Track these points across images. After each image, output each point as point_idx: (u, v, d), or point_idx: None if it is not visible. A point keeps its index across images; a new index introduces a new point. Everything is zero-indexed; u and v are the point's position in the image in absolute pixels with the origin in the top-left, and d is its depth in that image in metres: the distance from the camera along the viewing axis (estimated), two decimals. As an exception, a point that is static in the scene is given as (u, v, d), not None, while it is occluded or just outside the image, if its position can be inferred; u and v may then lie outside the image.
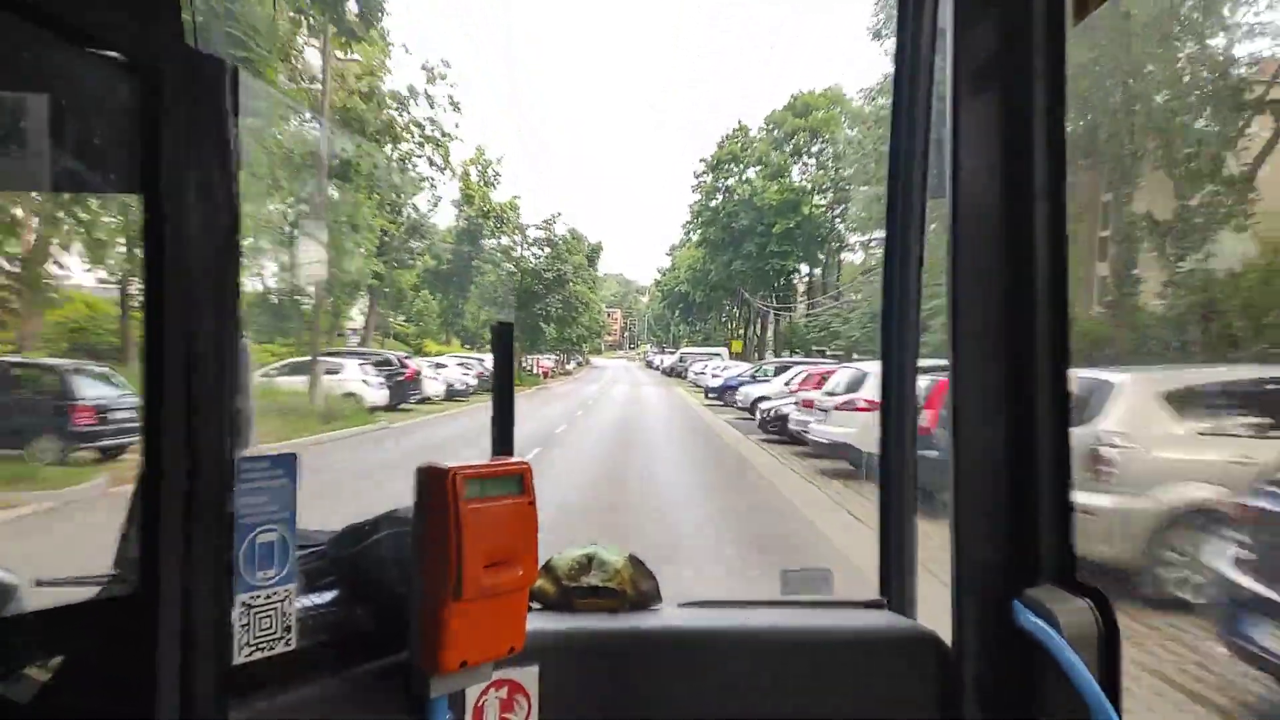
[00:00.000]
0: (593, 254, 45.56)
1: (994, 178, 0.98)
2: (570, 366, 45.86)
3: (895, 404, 1.28)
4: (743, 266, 41.03)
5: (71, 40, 0.71)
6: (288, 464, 0.84)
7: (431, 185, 26.69)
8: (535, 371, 32.59)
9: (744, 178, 43.53)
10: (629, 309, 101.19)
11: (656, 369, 51.18)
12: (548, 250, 33.56)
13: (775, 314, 40.91)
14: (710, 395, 21.04)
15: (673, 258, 63.67)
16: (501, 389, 1.05)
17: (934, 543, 1.19)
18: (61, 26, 0.70)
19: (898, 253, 1.25)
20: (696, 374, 28.25)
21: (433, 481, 0.87)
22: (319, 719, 0.86)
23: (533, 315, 30.00)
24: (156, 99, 0.72)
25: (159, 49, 0.72)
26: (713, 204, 44.34)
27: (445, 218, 31.06)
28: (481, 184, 30.06)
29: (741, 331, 49.50)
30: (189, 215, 0.73)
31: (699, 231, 45.27)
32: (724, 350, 39.29)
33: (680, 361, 39.83)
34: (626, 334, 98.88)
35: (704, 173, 45.31)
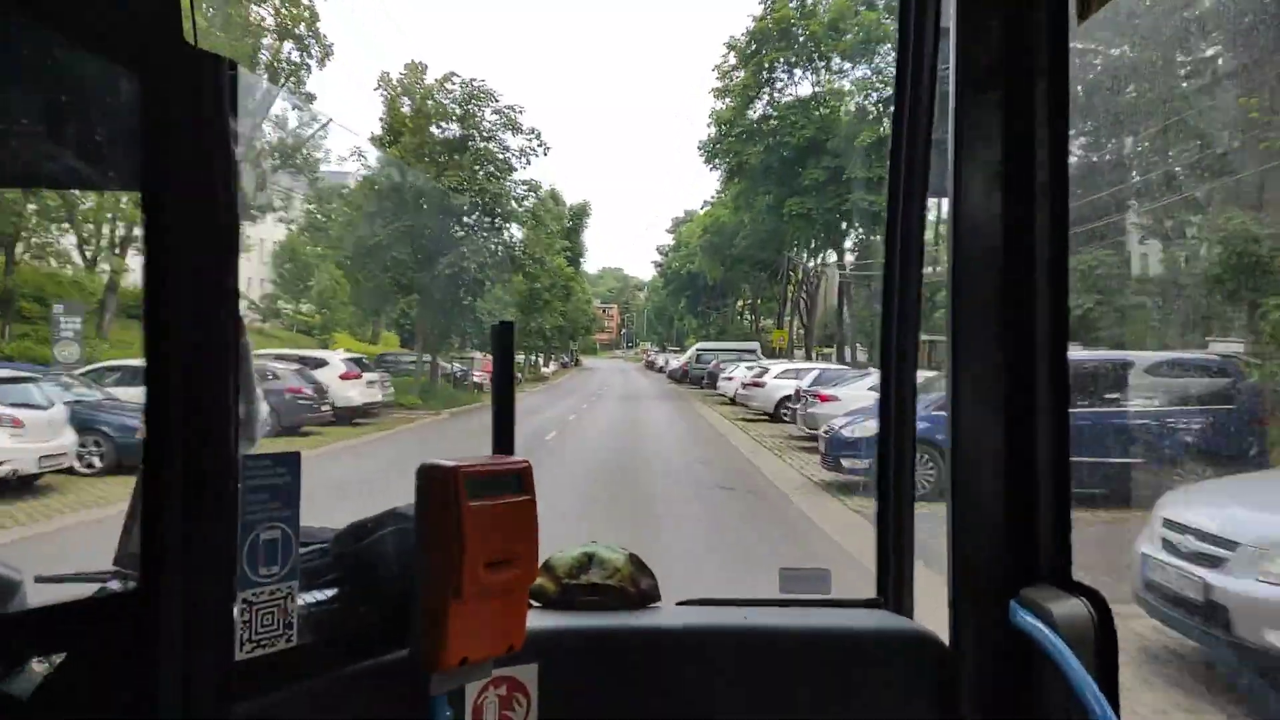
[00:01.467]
0: (577, 218, 42.80)
1: (996, 178, 1.35)
2: (548, 369, 43.80)
3: (895, 404, 1.68)
4: (803, 206, 32.39)
5: (72, 39, 0.96)
6: (290, 462, 1.17)
7: (295, 82, 22.43)
8: (476, 378, 27.67)
9: (811, 64, 34.01)
10: (626, 304, 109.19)
11: (660, 371, 49.46)
12: (463, 160, 25.30)
13: (848, 283, 34.75)
14: (837, 458, 10.89)
15: (678, 234, 61.99)
16: (502, 388, 1.40)
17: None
18: (62, 26, 0.93)
19: (898, 252, 1.65)
20: (744, 390, 22.62)
21: (434, 480, 1.22)
22: (320, 715, 1.21)
23: (445, 286, 23.55)
24: (156, 97, 0.97)
25: (159, 48, 0.97)
26: (752, 112, 35.51)
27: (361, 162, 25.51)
28: (417, 117, 25.45)
29: (769, 321, 48.03)
30: (189, 212, 0.99)
31: (727, 162, 37.11)
32: (754, 345, 37.68)
33: (698, 362, 36.75)
34: (625, 332, 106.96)
35: (735, 68, 35.95)
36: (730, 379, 26.30)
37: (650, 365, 60.61)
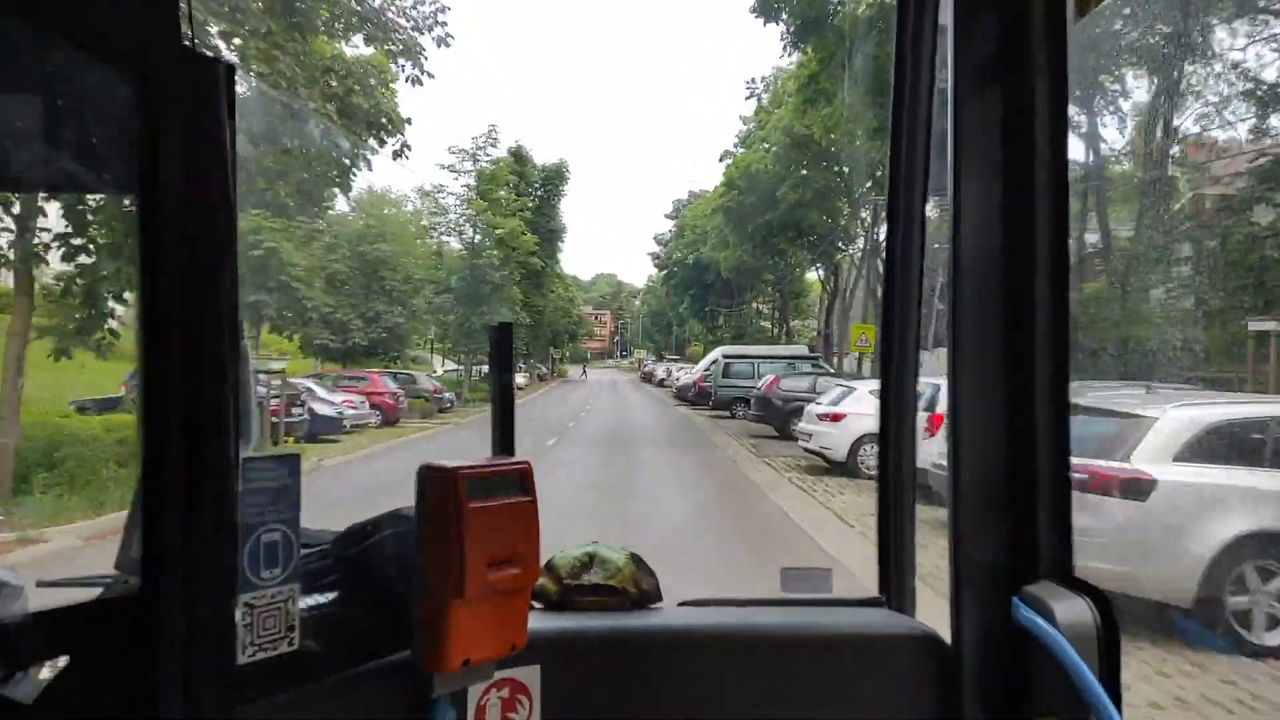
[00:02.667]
0: (551, 182, 41.43)
1: (995, 176, 1.77)
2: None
3: (895, 403, 2.15)
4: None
5: (68, 41, 1.18)
6: (291, 464, 1.53)
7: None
8: (330, 408, 21.72)
9: None
10: (620, 309, 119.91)
11: (660, 385, 46.97)
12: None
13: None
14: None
15: (681, 217, 61.04)
16: (501, 389, 1.81)
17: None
18: (58, 27, 1.15)
19: (899, 251, 2.11)
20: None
21: (435, 482, 1.62)
22: (323, 718, 1.59)
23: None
24: (152, 99, 1.21)
25: (155, 50, 1.21)
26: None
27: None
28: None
29: (800, 322, 44.98)
30: (185, 215, 1.24)
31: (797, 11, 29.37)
32: (802, 349, 34.73)
33: (725, 376, 31.05)
34: (618, 339, 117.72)
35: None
36: (837, 417, 17.29)
37: (647, 378, 59.69)
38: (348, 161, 20.29)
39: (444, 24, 19.03)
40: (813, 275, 48.40)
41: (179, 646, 1.25)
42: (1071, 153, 1.81)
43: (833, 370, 29.06)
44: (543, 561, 1.90)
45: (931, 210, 2.09)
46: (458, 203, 30.45)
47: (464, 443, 20.63)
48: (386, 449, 20.36)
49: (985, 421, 1.80)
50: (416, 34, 18.89)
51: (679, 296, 66.31)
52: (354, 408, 23.23)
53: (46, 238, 11.60)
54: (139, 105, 1.21)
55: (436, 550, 1.60)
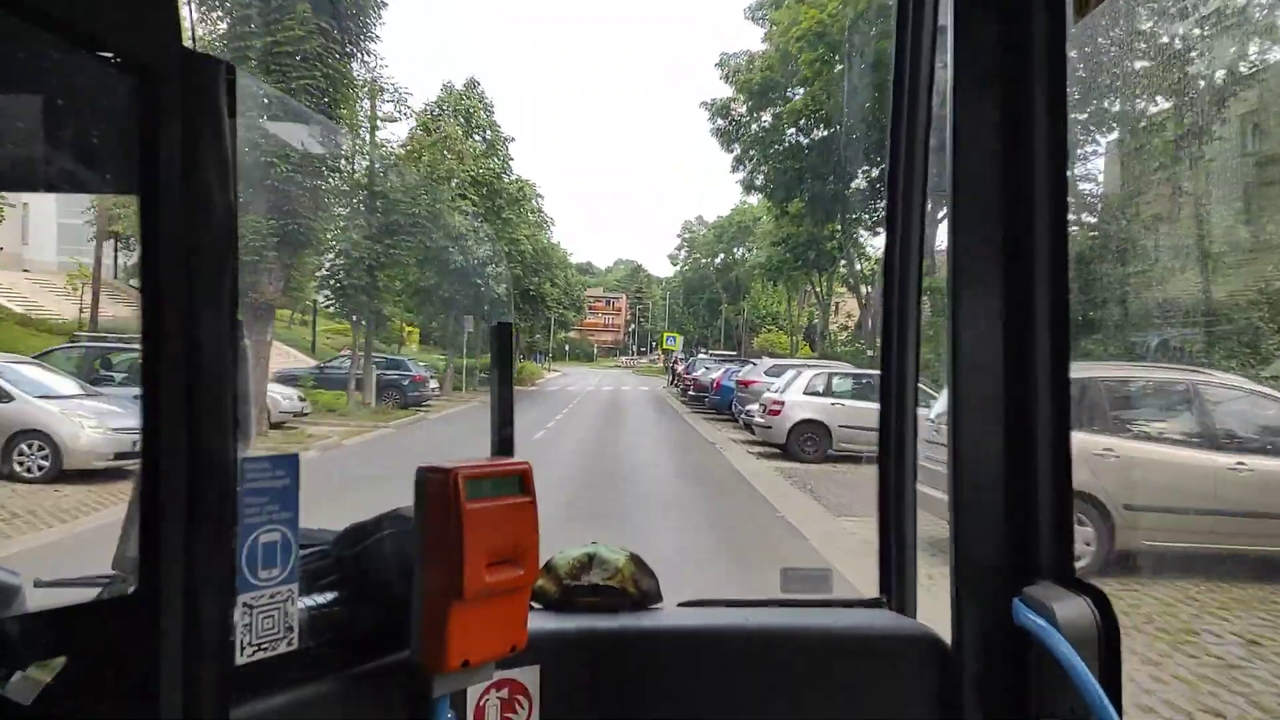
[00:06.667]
0: None
1: (995, 176, 1.82)
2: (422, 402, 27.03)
3: (895, 403, 2.19)
4: None
5: (68, 41, 1.20)
6: (290, 464, 1.58)
7: None
8: None
9: None
10: (639, 294, 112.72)
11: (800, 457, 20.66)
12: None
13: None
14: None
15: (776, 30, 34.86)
16: (501, 390, 1.84)
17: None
18: (58, 27, 1.16)
19: (898, 252, 2.15)
20: None
21: (434, 482, 1.66)
22: (322, 719, 1.63)
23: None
24: (153, 100, 1.22)
25: (156, 50, 1.23)
26: None
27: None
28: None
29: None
30: (186, 216, 1.26)
31: None
32: None
33: None
34: (634, 329, 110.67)
35: None
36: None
37: (682, 384, 37.91)
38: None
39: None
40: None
41: (177, 647, 1.27)
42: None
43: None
44: (542, 562, 1.95)
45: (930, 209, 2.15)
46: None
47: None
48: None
49: (985, 422, 1.84)
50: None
51: (783, 203, 38.81)
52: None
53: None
54: (140, 105, 1.23)
55: (436, 550, 1.63)
